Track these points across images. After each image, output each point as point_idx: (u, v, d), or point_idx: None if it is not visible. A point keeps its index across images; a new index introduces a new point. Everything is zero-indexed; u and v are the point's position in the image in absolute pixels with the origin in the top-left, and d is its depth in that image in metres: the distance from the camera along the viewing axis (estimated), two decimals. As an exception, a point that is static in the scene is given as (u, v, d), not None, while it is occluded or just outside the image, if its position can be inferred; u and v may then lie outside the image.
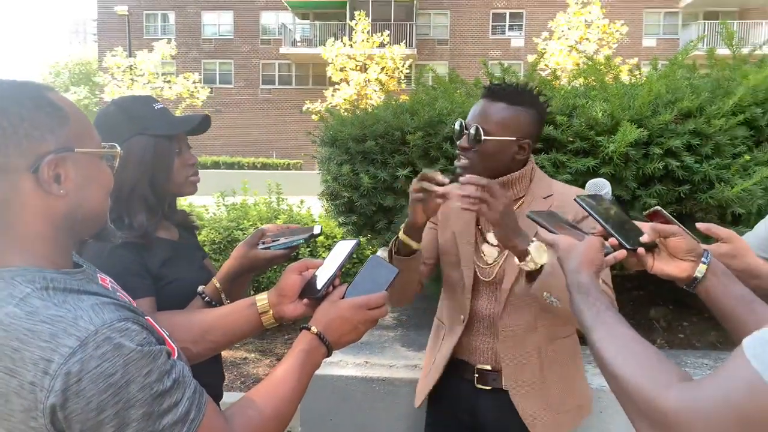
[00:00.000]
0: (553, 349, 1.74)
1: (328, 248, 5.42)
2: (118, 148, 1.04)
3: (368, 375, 2.46)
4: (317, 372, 1.15)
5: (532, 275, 1.52)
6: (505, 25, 29.42)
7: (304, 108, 22.85)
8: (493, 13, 29.37)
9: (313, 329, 1.15)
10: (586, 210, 1.25)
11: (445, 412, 1.85)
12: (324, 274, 1.25)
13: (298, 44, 29.64)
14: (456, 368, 1.80)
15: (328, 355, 1.16)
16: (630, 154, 2.41)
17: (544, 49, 20.06)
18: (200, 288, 1.47)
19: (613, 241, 1.19)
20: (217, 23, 30.80)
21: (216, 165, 24.40)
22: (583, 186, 2.37)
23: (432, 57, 29.33)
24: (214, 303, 1.45)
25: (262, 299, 1.27)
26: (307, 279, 1.26)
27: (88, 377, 0.81)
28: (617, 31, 19.61)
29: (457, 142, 1.65)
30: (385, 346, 2.71)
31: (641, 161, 2.45)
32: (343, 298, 1.19)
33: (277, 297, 1.26)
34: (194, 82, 24.65)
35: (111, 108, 1.46)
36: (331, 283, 1.23)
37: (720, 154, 2.48)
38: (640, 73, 3.26)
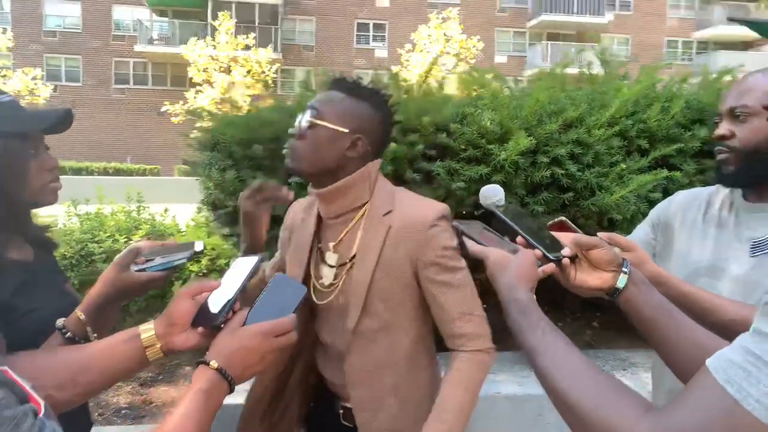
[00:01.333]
0: (408, 386, 1.52)
1: (216, 269, 5.06)
2: None
3: (226, 402, 2.27)
4: None
5: None
6: (369, 35, 29.99)
7: (162, 109, 21.64)
8: (357, 23, 29.82)
9: (213, 364, 0.98)
10: (506, 221, 1.20)
11: None
12: (221, 298, 1.09)
13: (156, 42, 28.05)
14: (323, 395, 1.64)
15: (231, 391, 1.00)
16: (519, 162, 2.46)
17: (408, 60, 20.73)
18: (59, 321, 1.20)
19: (537, 253, 1.15)
20: (62, 14, 28.28)
21: (62, 171, 22.32)
22: (476, 193, 2.38)
23: (298, 62, 29.13)
24: (77, 339, 1.20)
25: (147, 330, 1.07)
26: (201, 304, 1.09)
27: None
28: (474, 46, 20.75)
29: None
30: (275, 364, 2.54)
31: (529, 169, 2.51)
32: (244, 324, 1.04)
33: (165, 327, 1.07)
34: (34, 78, 22.38)
35: None
36: (230, 309, 1.07)
37: (599, 163, 2.61)
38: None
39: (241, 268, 1.16)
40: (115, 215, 5.99)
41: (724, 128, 1.40)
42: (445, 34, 20.47)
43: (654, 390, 1.69)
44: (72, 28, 28.44)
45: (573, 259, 1.16)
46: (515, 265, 1.06)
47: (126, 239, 5.48)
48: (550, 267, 1.12)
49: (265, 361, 1.03)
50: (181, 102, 21.10)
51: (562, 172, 2.51)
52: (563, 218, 1.35)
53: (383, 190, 1.50)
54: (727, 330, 1.06)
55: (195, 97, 20.89)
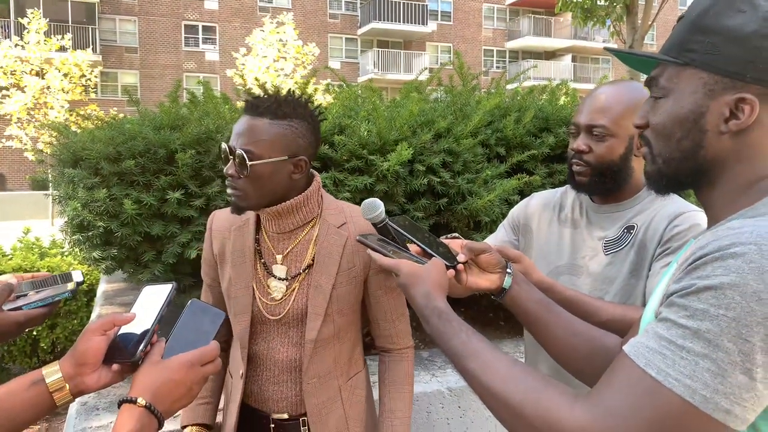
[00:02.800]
0: (351, 388, 1.63)
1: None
2: None
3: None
4: None
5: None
6: (198, 38, 28.84)
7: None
8: (184, 24, 28.53)
9: (141, 401, 0.93)
10: (402, 233, 1.27)
11: None
12: (135, 329, 1.04)
13: (-56, 40, 24.51)
14: (250, 417, 1.62)
15: (160, 428, 0.96)
16: (399, 171, 2.57)
17: (243, 64, 20.28)
18: None
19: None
20: None
21: None
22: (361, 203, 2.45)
23: (120, 65, 27.16)
24: None
25: (52, 372, 0.98)
26: (112, 339, 1.02)
27: None
28: (310, 52, 20.85)
29: (224, 169, 1.45)
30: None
31: (408, 178, 2.63)
32: (164, 356, 1.00)
33: (74, 367, 0.98)
34: None
35: None
36: (149, 341, 1.02)
37: (468, 170, 2.80)
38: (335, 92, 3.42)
39: (152, 296, 1.10)
40: None
41: (582, 143, 1.55)
42: (280, 39, 20.32)
43: None
44: None
45: (464, 264, 1.27)
46: (428, 275, 1.12)
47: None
48: (451, 273, 1.21)
49: (192, 392, 1.00)
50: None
51: (437, 179, 2.66)
52: (456, 234, 1.47)
53: (332, 204, 1.57)
54: (606, 327, 1.22)
55: (2, 102, 18.59)
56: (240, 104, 2.93)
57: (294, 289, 1.52)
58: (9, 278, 1.21)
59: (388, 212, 1.37)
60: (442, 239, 1.37)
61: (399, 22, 30.71)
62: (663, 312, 0.78)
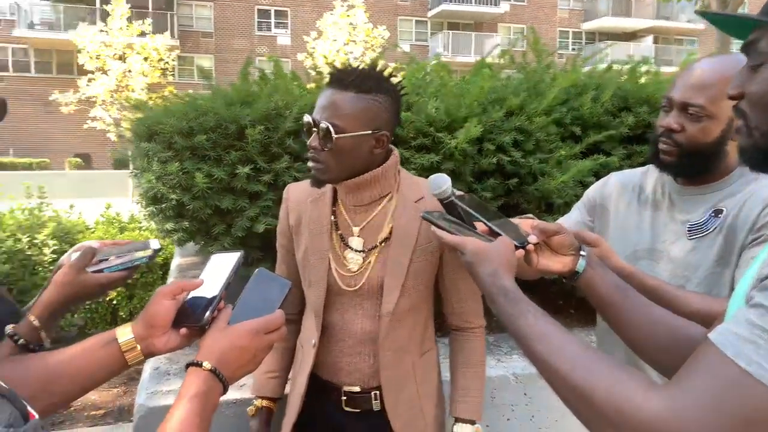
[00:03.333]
0: (423, 365, 1.63)
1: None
2: None
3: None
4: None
5: None
6: (270, 22, 29.37)
7: (51, 97, 20.15)
8: (258, 9, 29.10)
9: (206, 365, 0.94)
10: (469, 211, 1.22)
11: None
12: (203, 295, 1.05)
13: (37, 27, 25.99)
14: (319, 389, 1.63)
15: (225, 392, 0.96)
16: (467, 150, 2.50)
17: (314, 48, 20.51)
18: (9, 328, 1.12)
19: None
20: (-74, -5, 25.60)
21: (-67, 166, 20.27)
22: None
23: (197, 50, 28.03)
24: (32, 346, 1.12)
25: (125, 334, 1.01)
26: (181, 304, 1.04)
27: None
28: (380, 35, 20.84)
29: (308, 141, 1.45)
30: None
31: (476, 156, 2.56)
32: (230, 322, 1.01)
33: (145, 329, 1.02)
34: None
35: None
36: (216, 307, 1.03)
37: (540, 150, 2.70)
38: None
39: (220, 264, 1.11)
40: (13, 213, 5.53)
41: (674, 121, 1.43)
42: (350, 23, 20.41)
43: None
44: (-62, 10, 25.82)
45: (535, 245, 1.20)
46: (495, 253, 1.07)
47: (30, 238, 5.08)
48: (519, 253, 1.14)
49: (257, 359, 1.01)
50: (72, 90, 19.72)
51: (507, 158, 2.58)
52: (530, 215, 1.40)
53: (408, 179, 1.58)
54: (691, 320, 1.11)
55: (88, 85, 19.59)
56: (310, 85, 2.93)
57: (370, 261, 1.53)
58: (92, 243, 1.27)
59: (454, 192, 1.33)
60: (514, 220, 1.31)
61: (470, 3, 30.22)
62: (756, 296, 0.71)
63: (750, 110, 0.86)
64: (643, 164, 1.66)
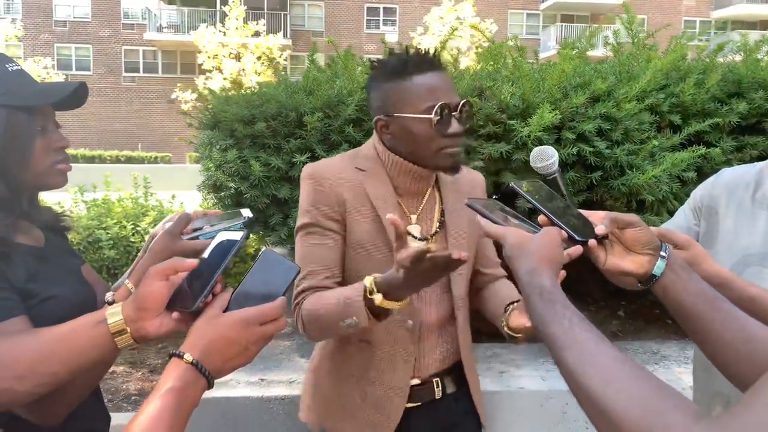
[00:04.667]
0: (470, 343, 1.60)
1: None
2: None
3: (264, 395, 2.12)
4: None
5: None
6: (379, 20, 29.72)
7: (172, 96, 21.61)
8: (367, 7, 29.53)
9: (187, 357, 0.85)
10: (526, 198, 1.05)
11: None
12: (200, 278, 0.95)
13: (165, 30, 27.97)
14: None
15: (210, 387, 0.87)
16: (543, 138, 2.28)
17: (420, 43, 20.49)
18: (109, 295, 1.11)
19: (562, 233, 1.00)
20: (71, 4, 28.25)
21: (74, 159, 22.35)
22: (497, 174, 2.19)
23: (307, 49, 28.82)
24: None
25: (114, 314, 0.94)
26: (177, 285, 0.95)
27: None
28: (488, 29, 20.40)
29: (453, 128, 1.35)
30: (282, 358, 2.39)
31: (554, 146, 2.32)
32: (227, 309, 0.91)
33: (135, 311, 0.94)
34: (45, 68, 22.42)
35: None
36: (210, 292, 0.92)
37: (629, 140, 2.41)
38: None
39: (222, 245, 1.01)
40: (122, 202, 5.90)
41: None
42: (458, 17, 20.17)
43: (696, 390, 1.50)
44: (82, 18, 28.42)
45: (601, 240, 1.00)
46: (537, 246, 0.93)
47: (133, 226, 5.39)
48: (576, 250, 0.97)
49: (248, 352, 0.90)
50: (191, 89, 21.02)
51: (590, 149, 2.31)
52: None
53: None
54: None
55: (204, 84, 20.80)
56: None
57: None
58: (187, 212, 1.26)
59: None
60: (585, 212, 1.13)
61: (585, -7, 28.92)
62: None
63: None
64: (759, 159, 1.40)
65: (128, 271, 1.25)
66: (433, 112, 1.34)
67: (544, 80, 2.43)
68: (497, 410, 2.17)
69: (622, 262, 1.01)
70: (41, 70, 22.34)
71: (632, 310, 3.34)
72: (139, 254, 1.26)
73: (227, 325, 0.89)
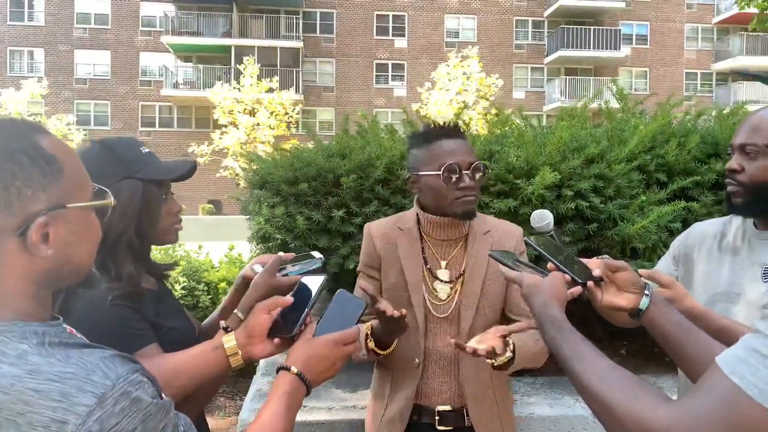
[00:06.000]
0: (498, 381, 1.81)
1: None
2: (111, 199, 0.98)
3: (307, 419, 2.44)
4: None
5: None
6: (388, 75, 30.56)
7: (189, 150, 22.27)
8: (376, 63, 30.46)
9: (293, 369, 1.14)
10: (537, 249, 1.35)
11: None
12: (293, 312, 1.26)
13: (181, 87, 28.94)
14: (413, 413, 1.80)
15: (308, 393, 1.16)
16: (545, 195, 2.65)
17: (428, 98, 21.14)
18: (223, 323, 1.39)
19: (566, 277, 1.27)
20: (92, 63, 29.38)
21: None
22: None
23: (318, 103, 29.76)
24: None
25: (229, 340, 1.24)
26: (275, 318, 1.25)
27: None
28: (493, 84, 21.10)
29: (465, 182, 1.69)
30: (319, 390, 2.70)
31: (554, 202, 2.70)
32: (314, 335, 1.20)
33: (245, 338, 1.23)
34: (68, 124, 23.23)
35: (96, 148, 1.39)
36: (303, 322, 1.23)
37: (621, 195, 2.78)
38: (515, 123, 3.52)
39: (306, 286, 1.34)
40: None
41: (734, 163, 1.51)
42: (464, 73, 20.86)
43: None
44: (101, 76, 29.47)
45: (598, 282, 1.32)
46: (547, 286, 1.18)
47: (165, 275, 5.73)
48: (577, 289, 1.25)
49: (335, 366, 1.19)
50: (207, 143, 21.67)
51: (586, 204, 2.68)
52: (607, 256, 1.52)
53: (478, 216, 1.81)
54: None
55: (221, 138, 21.45)
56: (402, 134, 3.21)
57: (456, 290, 1.76)
58: (279, 254, 1.52)
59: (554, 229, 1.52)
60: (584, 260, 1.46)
61: (589, 48, 29.68)
62: (756, 324, 0.83)
63: None
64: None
65: (219, 308, 1.58)
66: (443, 169, 1.69)
67: (545, 145, 2.82)
68: (511, 432, 2.48)
69: (615, 299, 1.27)
70: (64, 127, 23.09)
71: (632, 349, 3.63)
72: (229, 291, 1.60)
73: (320, 345, 1.17)
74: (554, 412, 2.54)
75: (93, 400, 0.76)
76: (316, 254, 1.54)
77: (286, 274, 1.46)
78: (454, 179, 1.69)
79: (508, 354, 1.54)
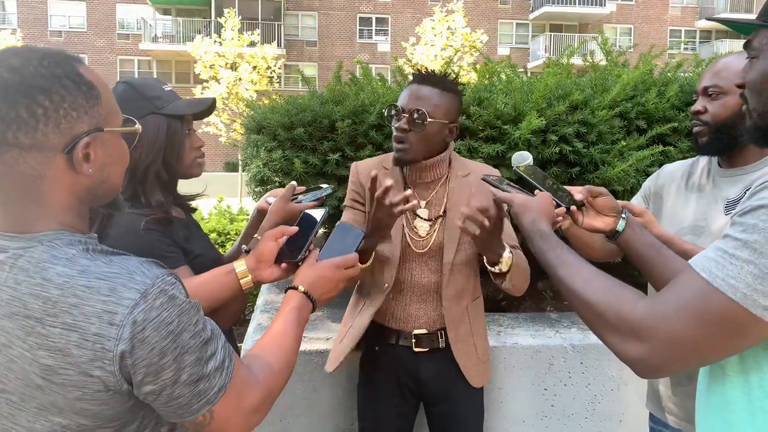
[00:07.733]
0: (474, 308, 1.99)
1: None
2: (138, 126, 1.09)
3: (307, 349, 2.60)
4: None
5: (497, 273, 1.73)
6: (371, 30, 30.16)
7: (170, 106, 21.94)
8: (359, 17, 30.00)
9: (300, 288, 1.27)
10: (525, 177, 1.49)
11: (385, 375, 2.01)
12: (298, 240, 1.39)
13: (160, 40, 28.32)
14: (384, 334, 1.98)
15: (314, 310, 1.29)
16: (531, 140, 2.78)
17: (412, 53, 20.97)
18: (245, 246, 1.52)
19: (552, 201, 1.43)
20: (67, 14, 28.55)
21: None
22: (496, 167, 2.69)
23: (301, 58, 29.37)
24: None
25: (240, 265, 1.37)
26: (281, 245, 1.38)
27: (150, 326, 0.87)
28: (478, 39, 20.96)
29: (395, 125, 1.79)
30: (317, 323, 2.86)
31: (540, 147, 2.83)
32: (317, 261, 1.33)
33: (255, 263, 1.36)
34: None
35: (122, 86, 1.48)
36: (308, 248, 1.37)
37: (602, 141, 2.92)
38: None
39: (311, 218, 1.46)
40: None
41: (698, 104, 1.67)
42: (449, 27, 20.69)
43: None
44: (77, 28, 28.71)
45: (580, 207, 1.47)
46: (536, 205, 1.30)
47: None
48: (561, 211, 1.39)
49: (338, 287, 1.33)
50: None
51: (570, 149, 2.82)
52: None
53: (457, 159, 1.94)
54: None
55: (202, 93, 21.16)
56: (395, 84, 3.31)
57: (435, 228, 1.90)
58: (291, 184, 1.64)
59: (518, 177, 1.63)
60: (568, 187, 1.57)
61: (574, 4, 29.48)
62: (726, 230, 0.91)
63: (749, 96, 1.06)
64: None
65: (240, 237, 1.73)
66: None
67: (532, 92, 2.94)
68: (496, 361, 2.66)
69: (594, 222, 1.43)
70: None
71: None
72: (247, 222, 1.73)
73: (324, 267, 1.31)
74: (536, 342, 2.72)
75: (137, 295, 0.88)
76: (324, 185, 1.67)
77: (300, 202, 1.59)
78: (391, 123, 1.81)
79: (507, 254, 1.69)
